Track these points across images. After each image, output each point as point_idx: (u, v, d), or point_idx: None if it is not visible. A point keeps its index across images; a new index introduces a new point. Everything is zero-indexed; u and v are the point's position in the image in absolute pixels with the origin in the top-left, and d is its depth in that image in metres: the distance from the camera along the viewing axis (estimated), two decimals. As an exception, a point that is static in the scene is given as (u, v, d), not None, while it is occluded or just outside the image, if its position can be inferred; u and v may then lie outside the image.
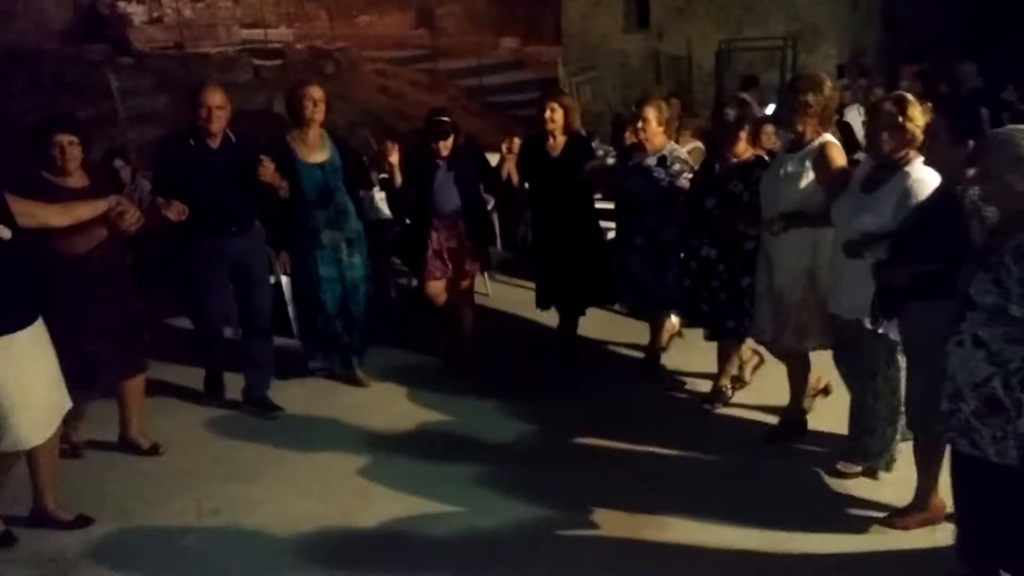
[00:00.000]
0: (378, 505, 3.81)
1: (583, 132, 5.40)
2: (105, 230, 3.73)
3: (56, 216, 3.50)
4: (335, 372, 5.05)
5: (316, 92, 4.63)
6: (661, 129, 4.77)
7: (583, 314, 5.30)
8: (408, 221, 5.66)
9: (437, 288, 5.13)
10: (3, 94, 10.63)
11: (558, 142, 4.99)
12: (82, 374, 3.80)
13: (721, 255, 4.32)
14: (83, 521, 3.68)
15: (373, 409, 4.77)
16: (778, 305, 3.99)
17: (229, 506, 3.84)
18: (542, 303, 5.33)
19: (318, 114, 4.62)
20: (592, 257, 5.10)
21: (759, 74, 11.36)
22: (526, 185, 5.21)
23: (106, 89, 10.35)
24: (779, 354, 4.26)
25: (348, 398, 4.92)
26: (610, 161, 5.08)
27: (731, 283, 4.32)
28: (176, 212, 4.00)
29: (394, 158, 4.87)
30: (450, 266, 5.09)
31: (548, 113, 4.91)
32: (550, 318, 5.45)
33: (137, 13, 18.82)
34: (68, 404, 3.59)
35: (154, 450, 4.30)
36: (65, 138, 3.75)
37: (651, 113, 4.73)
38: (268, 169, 4.34)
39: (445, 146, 4.93)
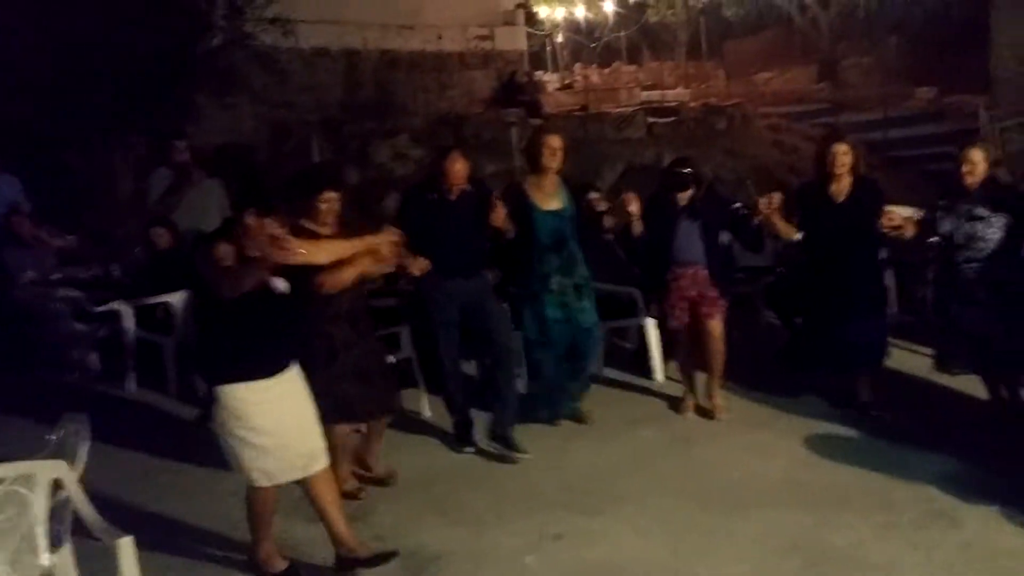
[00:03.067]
0: (720, 566, 3.57)
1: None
2: (355, 271, 3.91)
3: (323, 254, 3.71)
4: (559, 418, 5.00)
5: (555, 141, 4.74)
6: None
7: (874, 367, 4.97)
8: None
9: (686, 337, 5.05)
10: (433, 150, 12.29)
11: (842, 186, 4.75)
12: (335, 412, 3.98)
13: None
14: (378, 559, 3.61)
15: (720, 458, 4.55)
16: None
17: (571, 535, 3.86)
18: (805, 361, 5.06)
19: (555, 162, 4.73)
20: (878, 309, 4.96)
21: None
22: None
23: (511, 147, 11.45)
24: None
25: (692, 447, 4.74)
26: (909, 212, 4.77)
27: None
28: (420, 268, 4.27)
29: (634, 208, 4.80)
30: (688, 314, 4.95)
31: (836, 157, 4.68)
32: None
33: (551, 81, 20.70)
34: (323, 456, 3.60)
35: (390, 477, 4.38)
36: (333, 195, 4.00)
37: (978, 155, 4.39)
38: (500, 214, 4.52)
39: (683, 197, 4.86)
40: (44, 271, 6.60)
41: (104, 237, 8.35)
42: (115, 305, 6.05)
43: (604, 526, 3.92)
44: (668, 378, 5.68)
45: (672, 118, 14.42)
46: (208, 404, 3.50)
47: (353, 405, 4.09)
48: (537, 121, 14.56)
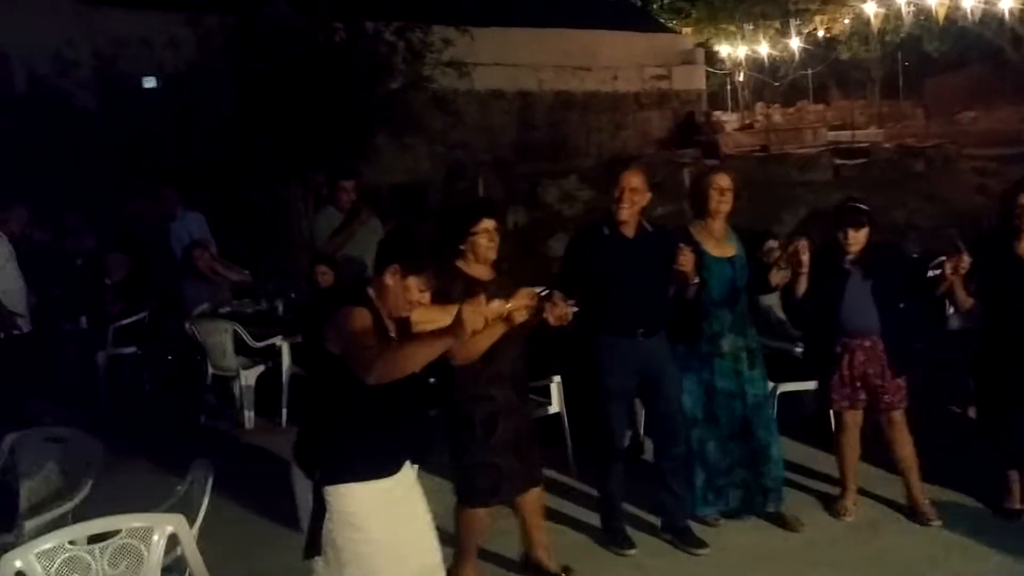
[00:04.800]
0: None
1: None
2: (489, 339, 3.14)
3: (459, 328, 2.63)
4: (729, 514, 4.22)
5: (724, 181, 4.15)
6: None
7: None
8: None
9: (851, 420, 4.23)
10: (599, 192, 12.07)
11: None
12: (487, 492, 3.51)
13: None
14: None
15: (914, 553, 3.87)
16: None
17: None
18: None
19: (724, 204, 4.14)
20: None
21: None
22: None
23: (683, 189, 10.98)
24: None
25: (880, 536, 4.08)
26: None
27: None
28: (557, 316, 3.14)
29: (806, 259, 3.95)
30: (863, 396, 4.13)
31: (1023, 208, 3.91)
32: None
33: (730, 121, 20.05)
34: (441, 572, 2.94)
35: (567, 572, 3.78)
36: (490, 224, 3.50)
37: None
38: (689, 258, 3.83)
39: (855, 238, 4.03)
40: (218, 304, 6.84)
41: (284, 272, 8.66)
42: (275, 341, 6.15)
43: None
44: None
45: (862, 159, 13.46)
46: (317, 523, 2.71)
47: (503, 482, 3.55)
48: (713, 162, 14.03)
